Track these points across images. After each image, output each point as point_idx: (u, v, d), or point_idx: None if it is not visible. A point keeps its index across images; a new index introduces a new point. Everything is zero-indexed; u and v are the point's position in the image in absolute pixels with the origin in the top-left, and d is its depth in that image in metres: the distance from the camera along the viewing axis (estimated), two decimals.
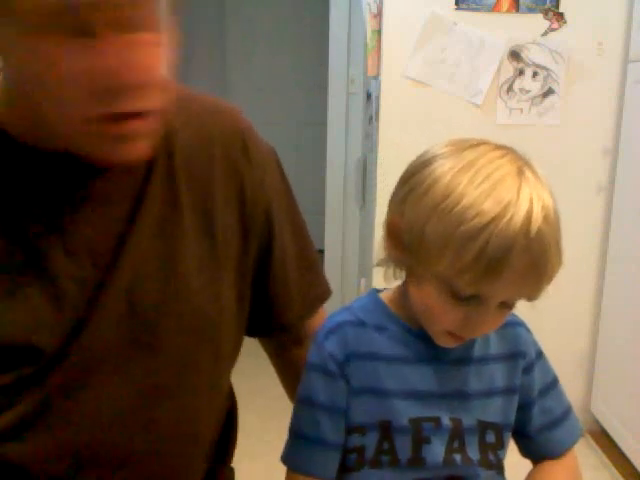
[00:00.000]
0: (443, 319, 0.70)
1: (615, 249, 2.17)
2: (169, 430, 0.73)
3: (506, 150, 0.70)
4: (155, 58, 0.59)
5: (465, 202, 0.64)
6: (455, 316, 0.69)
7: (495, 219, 0.63)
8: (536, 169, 0.69)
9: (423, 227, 0.67)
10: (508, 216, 0.63)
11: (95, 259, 0.67)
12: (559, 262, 0.67)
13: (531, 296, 0.69)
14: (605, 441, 2.17)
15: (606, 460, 2.09)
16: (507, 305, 0.70)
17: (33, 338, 0.63)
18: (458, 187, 0.65)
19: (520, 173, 0.66)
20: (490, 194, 0.64)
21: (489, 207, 0.64)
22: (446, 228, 0.65)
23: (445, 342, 0.73)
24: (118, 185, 0.69)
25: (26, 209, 0.65)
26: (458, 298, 0.68)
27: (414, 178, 0.70)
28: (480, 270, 0.64)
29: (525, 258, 0.64)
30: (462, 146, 0.70)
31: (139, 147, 0.63)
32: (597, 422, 2.24)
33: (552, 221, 0.66)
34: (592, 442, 2.18)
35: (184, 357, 0.73)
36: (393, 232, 0.72)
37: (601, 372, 2.26)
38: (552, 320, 2.14)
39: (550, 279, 0.68)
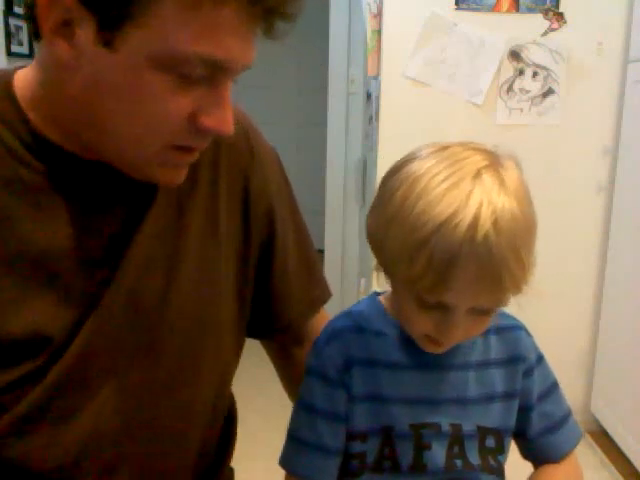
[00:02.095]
0: (418, 325, 0.70)
1: (615, 249, 2.18)
2: (167, 427, 0.73)
3: (475, 151, 0.66)
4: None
5: (418, 208, 0.63)
6: (427, 322, 0.68)
7: (442, 225, 0.61)
8: (505, 171, 0.65)
9: (384, 235, 0.66)
10: (455, 222, 0.61)
11: (101, 258, 0.67)
12: (522, 269, 0.63)
13: (497, 303, 0.67)
14: (605, 441, 2.17)
15: (606, 460, 2.09)
16: (480, 311, 0.67)
17: (44, 328, 0.64)
18: (413, 193, 0.64)
19: (477, 176, 0.63)
20: (441, 200, 0.62)
21: (438, 213, 0.61)
22: (401, 236, 0.64)
23: (427, 347, 0.72)
24: (128, 187, 0.69)
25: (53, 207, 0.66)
26: (424, 306, 0.66)
27: (387, 185, 0.69)
28: (431, 278, 0.62)
29: (473, 265, 0.61)
30: (433, 150, 0.68)
31: (182, 173, 0.68)
32: (597, 422, 2.24)
33: (506, 228, 0.61)
34: (592, 442, 2.18)
35: (184, 356, 0.73)
36: (368, 239, 0.73)
37: (601, 372, 2.26)
38: (552, 320, 2.14)
39: (515, 286, 0.64)
